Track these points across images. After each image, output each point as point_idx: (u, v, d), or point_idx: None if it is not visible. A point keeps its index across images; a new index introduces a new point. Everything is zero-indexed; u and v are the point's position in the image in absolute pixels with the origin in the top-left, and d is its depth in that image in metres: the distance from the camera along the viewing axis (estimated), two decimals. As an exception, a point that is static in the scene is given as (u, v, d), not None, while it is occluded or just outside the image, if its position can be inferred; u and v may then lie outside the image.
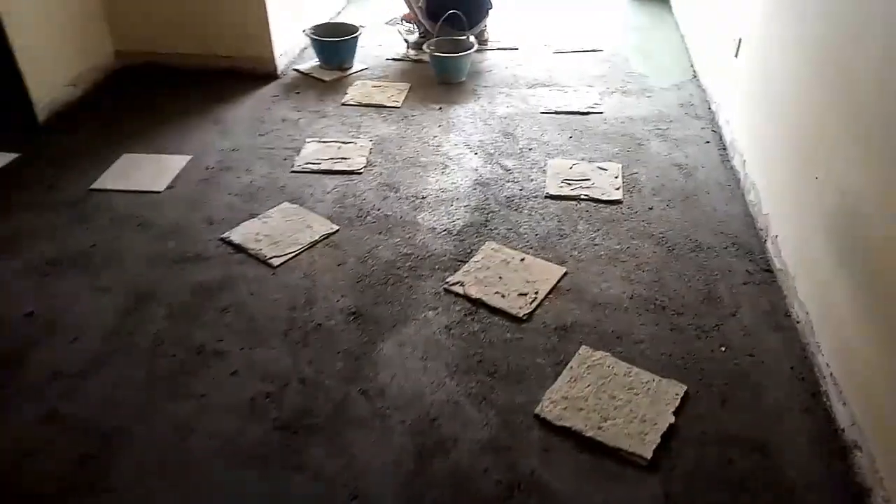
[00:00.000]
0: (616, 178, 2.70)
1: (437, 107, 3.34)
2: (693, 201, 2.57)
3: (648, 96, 3.37)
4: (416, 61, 3.84)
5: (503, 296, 2.12)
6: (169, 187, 2.72)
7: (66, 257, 2.32)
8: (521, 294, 2.13)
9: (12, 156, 2.91)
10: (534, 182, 2.71)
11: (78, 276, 2.24)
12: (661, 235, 2.38)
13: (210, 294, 2.16)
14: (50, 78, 3.22)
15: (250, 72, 3.61)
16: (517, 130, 3.11)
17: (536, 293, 2.12)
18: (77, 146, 3.00)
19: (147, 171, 2.81)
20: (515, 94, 3.45)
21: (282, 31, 3.64)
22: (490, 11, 3.94)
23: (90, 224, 2.50)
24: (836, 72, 1.86)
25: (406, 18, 3.89)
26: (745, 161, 2.60)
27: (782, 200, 2.20)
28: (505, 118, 3.22)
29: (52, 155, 2.93)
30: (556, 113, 3.24)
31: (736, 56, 2.81)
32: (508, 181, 2.73)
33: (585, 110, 3.24)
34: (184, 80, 3.59)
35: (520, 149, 2.96)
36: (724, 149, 2.88)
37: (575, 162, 2.82)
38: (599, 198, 2.58)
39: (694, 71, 3.61)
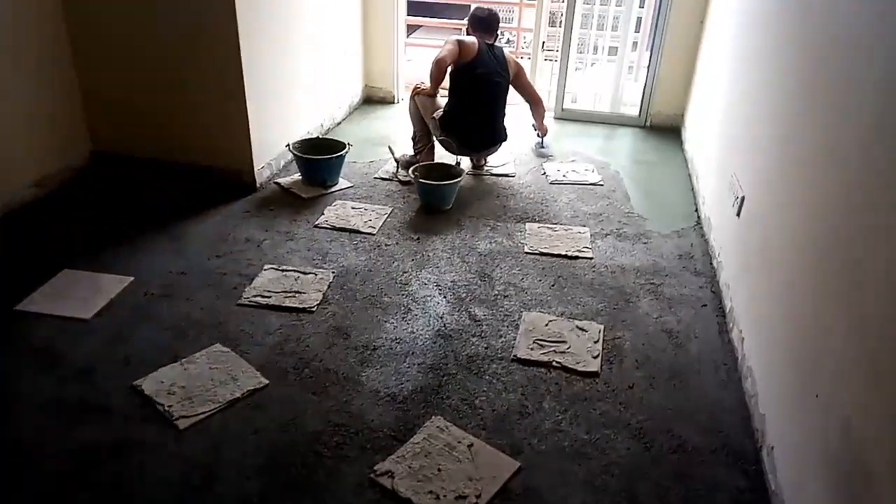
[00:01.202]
0: (596, 342, 2.36)
1: (415, 237, 3.08)
2: (681, 382, 2.21)
3: (645, 243, 3.08)
4: (404, 182, 3.63)
5: (437, 498, 1.75)
6: (98, 314, 2.45)
7: (-50, 398, 2.03)
8: (459, 497, 1.75)
9: (-57, 263, 2.70)
10: (503, 339, 2.39)
11: (-46, 423, 1.94)
12: (638, 426, 2.01)
13: (95, 461, 1.83)
14: (11, 176, 3.06)
15: (228, 183, 3.43)
16: (496, 272, 2.82)
17: (478, 497, 1.75)
18: (19, 255, 2.78)
19: (81, 293, 2.56)
20: (501, 227, 3.19)
21: (266, 143, 3.49)
22: (504, 143, 3.77)
23: (-4, 354, 2.22)
24: (842, 265, 1.54)
25: (416, 92, 3.72)
26: (743, 339, 2.25)
27: (780, 406, 1.83)
28: (485, 255, 2.94)
29: (-12, 264, 2.72)
30: (542, 255, 2.95)
31: (738, 216, 2.52)
32: (475, 335, 2.41)
33: (574, 254, 2.95)
34: (156, 187, 3.42)
35: (495, 295, 2.66)
36: (724, 316, 2.54)
37: (553, 318, 2.50)
38: (574, 367, 2.24)
39: (699, 217, 3.33)
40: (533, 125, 4.12)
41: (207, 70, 3.22)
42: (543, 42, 5.00)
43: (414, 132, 3.81)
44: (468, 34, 3.71)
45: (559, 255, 2.94)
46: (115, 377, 2.14)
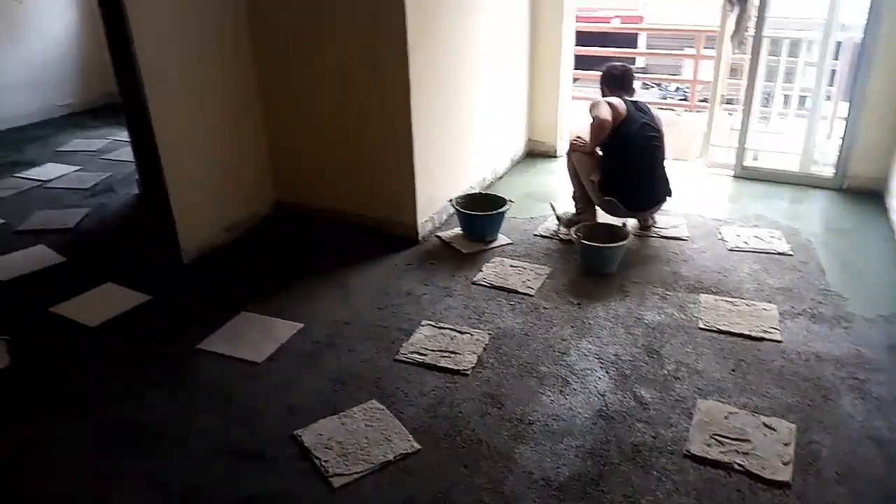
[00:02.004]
0: (787, 445, 2.06)
1: (576, 301, 2.93)
2: (897, 506, 1.84)
3: (845, 327, 2.68)
4: (565, 241, 3.51)
5: None
6: (268, 359, 2.56)
7: (136, 427, 2.20)
8: None
9: (144, 298, 2.99)
10: (673, 429, 2.16)
11: (137, 453, 2.09)
12: (842, 557, 1.70)
13: (253, 513, 1.87)
14: (204, 222, 3.37)
15: (393, 235, 3.52)
16: (665, 348, 2.59)
17: None
18: (205, 296, 3.02)
19: (255, 337, 2.71)
20: (672, 297, 2.95)
21: (430, 196, 3.55)
22: (669, 199, 3.55)
23: (178, 390, 2.39)
24: None
25: (574, 148, 3.62)
26: (984, 463, 1.84)
27: None
28: (653, 328, 2.72)
29: (181, 303, 2.97)
30: (720, 332, 2.67)
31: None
32: (641, 420, 2.20)
33: (758, 335, 2.63)
34: (330, 235, 3.59)
35: (664, 375, 2.43)
36: (952, 427, 2.12)
37: (733, 410, 2.22)
38: (759, 473, 1.95)
39: (912, 299, 2.86)
40: None
41: (379, 127, 3.35)
42: (722, 95, 4.69)
43: (574, 191, 3.69)
44: (604, 94, 3.58)
45: (741, 335, 2.64)
46: (278, 424, 2.21)
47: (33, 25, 5.79)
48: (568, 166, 3.63)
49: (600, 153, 3.46)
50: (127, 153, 5.05)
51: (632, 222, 3.57)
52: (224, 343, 2.67)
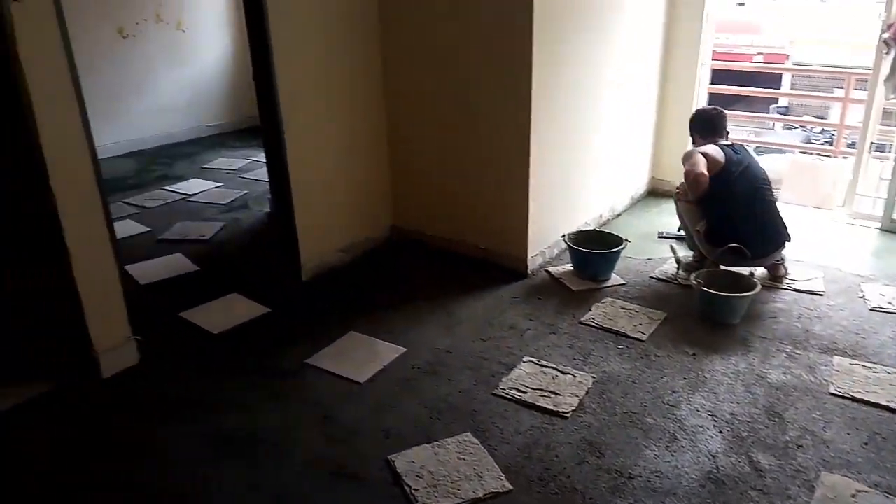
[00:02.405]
0: (928, 538, 1.81)
1: (691, 352, 2.76)
2: None
3: None
4: (684, 286, 3.33)
5: None
6: (370, 380, 2.62)
7: (241, 436, 2.30)
8: None
9: (264, 310, 3.16)
10: (791, 502, 1.96)
11: (239, 458, 2.19)
12: None
13: (341, 532, 1.90)
14: (323, 242, 3.52)
15: (502, 267, 3.51)
16: (789, 412, 2.37)
17: None
18: (319, 314, 3.14)
19: (359, 357, 2.77)
20: (801, 357, 2.70)
21: (542, 231, 3.51)
22: (787, 244, 3.29)
23: (284, 402, 2.49)
24: None
25: (678, 197, 3.44)
26: None
27: None
28: (777, 389, 2.50)
29: (295, 317, 3.11)
30: (854, 400, 2.41)
31: None
32: (755, 489, 2.02)
33: (899, 407, 2.36)
34: (440, 263, 3.64)
35: (786, 441, 2.22)
36: None
37: (863, 488, 1.98)
38: (892, 565, 1.73)
39: None
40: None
41: (497, 159, 3.37)
42: (872, 141, 4.30)
43: (688, 238, 3.50)
44: (695, 141, 3.39)
45: (878, 405, 2.37)
46: (373, 446, 2.24)
47: (193, 52, 6.40)
48: (678, 213, 3.48)
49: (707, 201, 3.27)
50: (263, 173, 5.40)
51: (760, 271, 3.33)
52: (331, 360, 2.75)
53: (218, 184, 5.20)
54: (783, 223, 3.29)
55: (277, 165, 3.27)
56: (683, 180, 3.27)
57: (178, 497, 2.05)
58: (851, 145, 5.63)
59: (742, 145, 3.39)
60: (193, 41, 6.39)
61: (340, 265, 3.62)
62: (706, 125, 3.41)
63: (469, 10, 3.23)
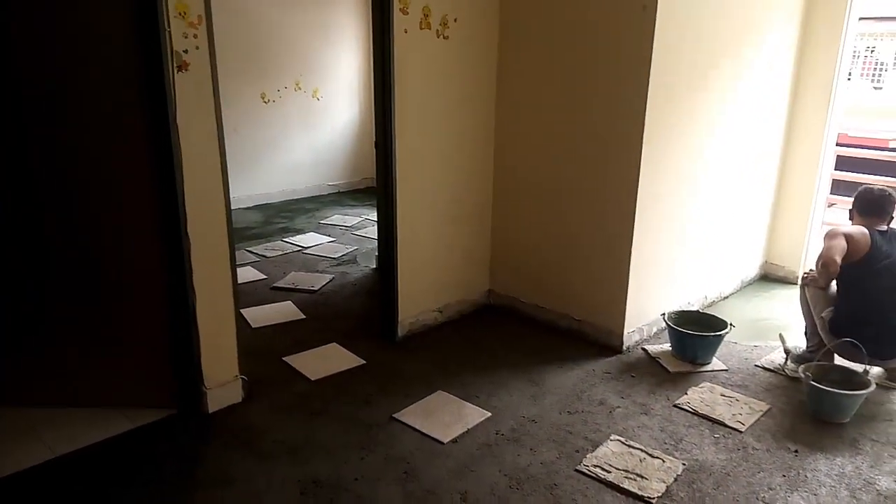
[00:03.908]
0: None
1: (793, 448, 2.59)
2: None
3: None
4: (792, 379, 3.14)
5: None
6: (453, 441, 2.66)
7: (325, 481, 2.40)
8: None
9: (360, 362, 3.30)
10: None
11: (323, 505, 2.28)
12: None
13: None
14: (421, 301, 3.65)
15: (596, 341, 3.48)
16: (902, 528, 2.16)
17: None
18: (410, 370, 3.24)
19: (445, 417, 2.83)
20: (921, 468, 2.46)
21: (641, 307, 3.46)
22: None
23: (369, 453, 2.57)
24: None
25: (806, 282, 3.24)
26: None
27: None
28: (885, 497, 2.29)
29: (388, 371, 3.22)
30: (982, 524, 2.17)
31: None
32: None
33: None
34: (533, 331, 3.66)
35: (896, 559, 2.02)
36: None
37: None
38: None
39: None
40: None
41: (599, 231, 3.39)
42: None
43: (806, 327, 3.31)
44: (853, 219, 3.15)
45: None
46: (449, 508, 2.26)
47: (324, 118, 6.97)
48: (801, 298, 3.30)
49: (838, 285, 3.09)
50: (374, 231, 5.72)
51: (876, 370, 3.09)
52: (417, 417, 2.82)
53: (332, 238, 5.54)
54: None
55: (387, 224, 3.47)
56: (816, 261, 3.12)
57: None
58: None
59: None
60: (325, 108, 6.96)
61: (435, 325, 3.73)
62: (868, 206, 3.14)
63: (580, 95, 3.35)
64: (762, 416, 2.83)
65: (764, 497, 2.31)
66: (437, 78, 3.39)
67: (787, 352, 3.32)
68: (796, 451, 2.58)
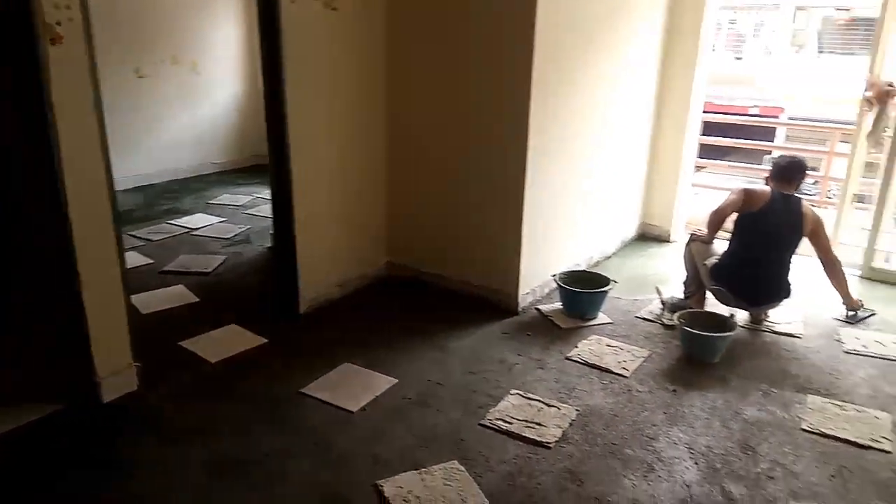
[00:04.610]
0: (888, 566, 1.90)
1: (672, 388, 2.88)
2: None
3: (974, 448, 2.44)
4: (668, 327, 3.46)
5: None
6: (363, 409, 2.72)
7: (236, 461, 2.40)
8: None
9: (262, 341, 3.27)
10: (760, 530, 2.06)
11: (233, 484, 2.28)
12: None
13: (329, 550, 1.98)
14: (322, 278, 3.65)
15: (494, 304, 3.64)
16: (762, 446, 2.47)
17: None
18: (314, 345, 3.25)
19: (353, 387, 2.88)
20: (776, 395, 2.82)
21: (533, 270, 3.65)
22: (786, 300, 3.43)
23: (279, 429, 2.58)
24: None
25: (693, 239, 3.57)
26: None
27: None
28: (751, 424, 2.61)
29: (291, 348, 3.22)
30: (823, 436, 2.52)
31: None
32: (726, 517, 2.11)
33: (866, 443, 2.46)
34: (434, 299, 3.77)
35: (757, 473, 2.32)
36: None
37: (829, 519, 2.09)
38: (852, 591, 1.82)
39: None
40: (843, 302, 3.62)
41: (492, 200, 3.54)
42: (854, 193, 4.48)
43: (686, 277, 3.65)
44: (767, 183, 3.50)
45: (846, 441, 2.48)
46: (363, 473, 2.33)
47: (205, 94, 6.66)
48: (685, 252, 3.63)
49: (728, 236, 3.44)
50: (266, 209, 5.58)
51: (741, 314, 3.46)
52: (325, 390, 2.86)
53: (222, 218, 5.37)
54: (788, 281, 3.41)
55: (282, 201, 3.43)
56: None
57: (174, 515, 2.14)
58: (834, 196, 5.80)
59: (801, 201, 3.38)
60: (206, 83, 6.65)
61: (337, 299, 3.75)
62: (777, 171, 3.44)
63: (469, 65, 3.45)
64: (644, 361, 3.11)
65: (648, 433, 2.56)
66: (326, 50, 3.36)
67: (663, 303, 3.64)
68: (674, 391, 2.86)
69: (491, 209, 3.56)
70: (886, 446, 2.45)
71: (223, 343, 3.27)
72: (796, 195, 3.40)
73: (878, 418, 2.62)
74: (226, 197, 6.03)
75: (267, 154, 3.42)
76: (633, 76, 4.27)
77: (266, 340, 3.28)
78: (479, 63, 3.41)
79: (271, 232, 4.68)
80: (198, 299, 3.79)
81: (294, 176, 3.34)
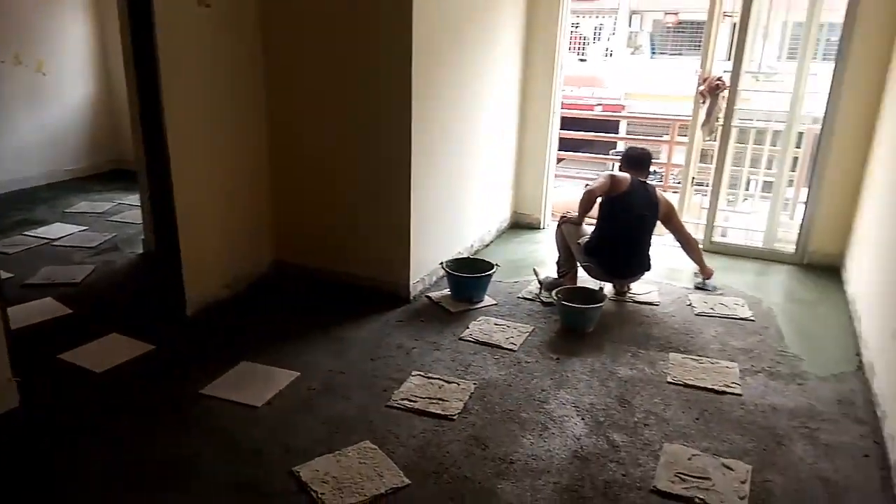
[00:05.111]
0: (743, 483, 2.26)
1: (555, 357, 3.16)
2: (841, 537, 2.04)
3: (800, 384, 2.93)
4: (546, 304, 3.77)
5: None
6: (267, 403, 2.74)
7: (144, 465, 2.35)
8: None
9: (149, 347, 3.17)
10: (641, 468, 2.35)
11: (143, 487, 2.24)
12: (790, 579, 1.88)
13: (254, 537, 2.02)
14: (209, 278, 3.59)
15: (386, 294, 3.76)
16: (636, 399, 2.81)
17: None
18: (207, 347, 3.20)
19: (255, 383, 2.89)
20: (643, 355, 3.19)
21: (422, 260, 3.82)
22: (646, 273, 3.85)
23: (184, 431, 2.54)
24: None
25: (563, 221, 3.88)
26: (915, 497, 2.06)
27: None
28: (625, 381, 2.95)
29: (184, 352, 3.15)
30: (686, 386, 2.91)
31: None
32: (612, 461, 2.40)
33: (721, 389, 2.87)
34: (325, 293, 3.82)
35: (634, 422, 2.64)
36: (888, 469, 2.33)
37: (696, 452, 2.43)
38: (717, 507, 2.15)
39: (860, 362, 3.12)
40: (695, 272, 4.12)
41: (378, 194, 3.65)
42: (693, 178, 5.08)
43: (559, 257, 3.99)
44: (622, 170, 3.91)
45: (705, 389, 2.88)
46: (276, 463, 2.37)
47: (53, 95, 6.16)
48: (556, 235, 3.95)
49: (594, 218, 3.77)
50: (131, 216, 5.33)
51: (608, 287, 3.85)
52: (226, 389, 2.84)
53: (83, 227, 5.04)
54: (649, 256, 3.83)
55: (162, 203, 3.33)
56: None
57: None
58: (679, 182, 6.50)
59: (654, 187, 3.82)
60: (56, 85, 6.16)
61: (225, 300, 3.70)
62: (631, 161, 3.87)
63: (349, 59, 3.53)
64: (528, 336, 3.38)
65: (539, 397, 2.81)
66: (202, 47, 3.31)
67: (540, 283, 3.95)
68: (557, 359, 3.15)
69: (378, 204, 3.67)
70: (737, 390, 2.87)
71: (107, 353, 3.13)
72: (650, 182, 3.84)
73: (728, 367, 3.06)
74: (84, 205, 5.65)
75: (126, 158, 3.32)
76: (501, 76, 4.57)
77: (153, 347, 3.18)
78: (359, 57, 3.50)
79: (142, 238, 4.53)
80: (70, 311, 3.58)
81: (174, 176, 3.26)
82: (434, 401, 2.76)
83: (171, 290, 3.47)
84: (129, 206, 5.63)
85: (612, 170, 3.96)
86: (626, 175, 3.76)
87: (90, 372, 2.96)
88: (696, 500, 2.18)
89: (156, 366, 3.03)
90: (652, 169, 3.96)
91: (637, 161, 3.88)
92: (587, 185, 3.73)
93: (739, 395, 2.84)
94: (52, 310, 3.60)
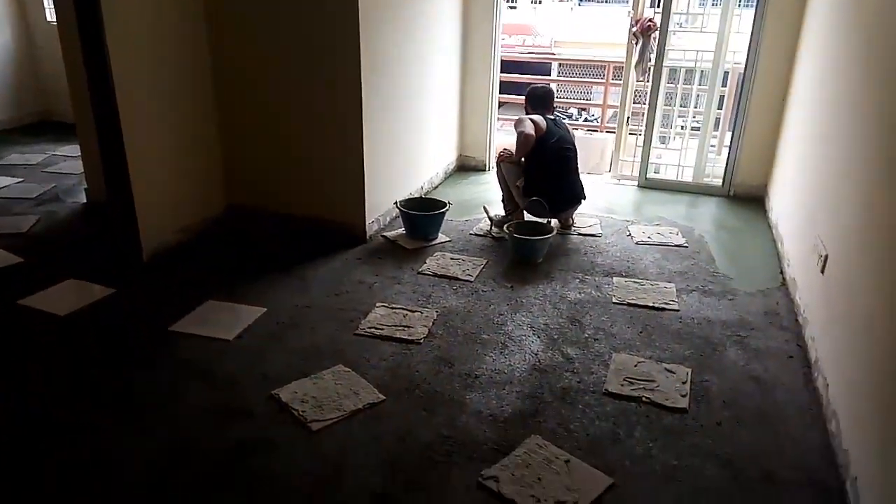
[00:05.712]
0: (684, 383, 2.54)
1: (509, 285, 3.36)
2: (767, 423, 2.33)
3: (731, 299, 3.24)
4: (497, 239, 3.95)
5: (539, 501, 1.95)
6: (238, 336, 2.83)
7: (121, 398, 2.42)
8: (558, 502, 1.95)
9: (110, 291, 3.18)
10: (594, 375, 2.60)
11: (124, 417, 2.32)
12: (726, 457, 2.16)
13: (243, 455, 2.15)
14: (162, 223, 3.59)
15: (343, 234, 3.85)
16: (585, 318, 3.05)
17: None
18: (170, 288, 3.24)
19: (223, 319, 2.96)
20: (589, 280, 3.43)
21: (375, 201, 3.91)
22: (583, 202, 4.06)
23: (158, 365, 2.62)
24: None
25: (501, 159, 4.01)
26: (828, 385, 2.37)
27: (864, 441, 1.95)
28: (575, 304, 3.18)
29: (146, 293, 3.18)
30: (629, 305, 3.17)
31: (822, 272, 2.67)
32: (567, 371, 2.63)
33: (660, 306, 3.15)
34: (283, 236, 3.88)
35: (585, 338, 2.88)
36: (809, 367, 2.66)
37: (641, 360, 2.69)
38: (663, 403, 2.41)
39: (784, 278, 3.46)
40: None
41: (332, 136, 3.70)
42: (628, 117, 5.32)
43: (503, 196, 4.15)
44: (527, 111, 4.06)
45: (646, 307, 3.15)
46: (255, 388, 2.49)
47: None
48: (498, 175, 4.10)
49: (524, 161, 3.94)
50: (68, 167, 5.18)
51: (554, 222, 4.06)
52: (195, 325, 2.91)
53: (19, 179, 4.87)
54: (581, 186, 4.04)
55: (112, 150, 3.28)
56: (515, 141, 3.85)
57: (77, 465, 2.14)
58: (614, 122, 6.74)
59: (562, 120, 4.04)
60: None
61: (178, 245, 3.71)
62: (537, 99, 4.03)
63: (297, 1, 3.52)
64: (483, 268, 3.56)
65: (497, 321, 3.01)
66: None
67: (490, 220, 4.12)
68: (511, 287, 3.35)
69: (332, 146, 3.72)
70: (675, 307, 3.15)
71: (67, 297, 3.13)
72: (559, 116, 4.06)
73: (666, 287, 3.34)
74: (15, 157, 5.43)
75: (53, 109, 3.26)
76: (444, 27, 4.62)
77: (114, 290, 3.19)
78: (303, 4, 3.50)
79: (85, 187, 4.42)
80: (21, 259, 3.52)
81: (123, 123, 3.21)
82: (400, 328, 2.92)
83: (125, 237, 3.45)
84: (62, 158, 5.45)
85: (521, 113, 4.08)
86: (539, 117, 3.92)
87: (54, 315, 2.96)
88: (644, 398, 2.44)
89: (120, 307, 3.06)
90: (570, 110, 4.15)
91: (542, 98, 4.05)
92: (520, 130, 3.84)
93: (677, 310, 3.12)
94: (1, 259, 3.53)
